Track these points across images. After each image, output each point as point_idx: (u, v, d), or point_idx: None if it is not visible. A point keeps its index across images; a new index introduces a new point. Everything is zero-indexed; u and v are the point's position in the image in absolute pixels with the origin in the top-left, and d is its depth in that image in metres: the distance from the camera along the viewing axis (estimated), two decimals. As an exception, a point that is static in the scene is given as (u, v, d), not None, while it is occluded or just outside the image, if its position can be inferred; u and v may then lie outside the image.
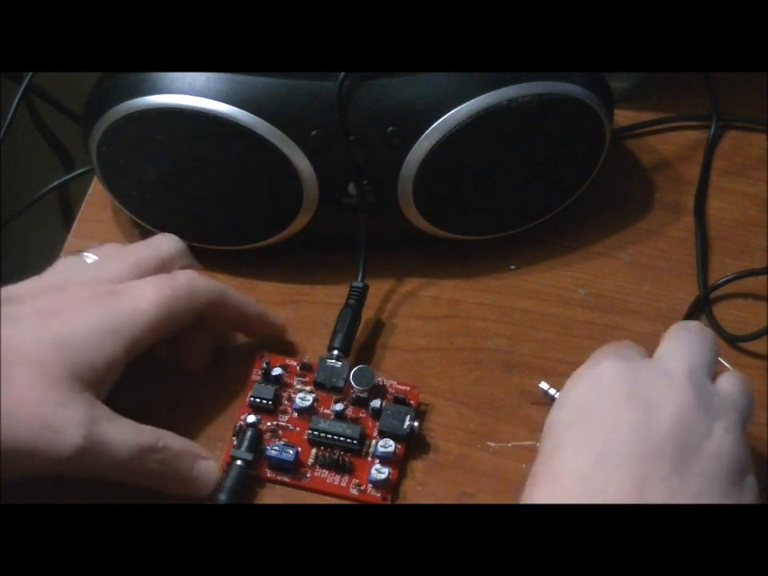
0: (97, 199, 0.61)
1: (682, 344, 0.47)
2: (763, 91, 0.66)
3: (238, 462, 0.49)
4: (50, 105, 0.64)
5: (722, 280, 0.57)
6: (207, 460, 0.48)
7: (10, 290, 0.48)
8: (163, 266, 0.51)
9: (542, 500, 0.41)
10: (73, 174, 0.64)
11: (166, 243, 0.52)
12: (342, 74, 0.52)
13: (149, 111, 0.52)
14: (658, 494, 0.39)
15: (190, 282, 0.50)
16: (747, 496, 0.41)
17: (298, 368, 0.53)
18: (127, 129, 0.53)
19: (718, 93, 0.65)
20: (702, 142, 0.65)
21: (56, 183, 0.64)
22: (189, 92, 0.52)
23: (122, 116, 0.53)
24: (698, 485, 0.40)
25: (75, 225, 0.60)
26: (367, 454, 0.50)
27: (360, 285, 0.55)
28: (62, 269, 0.51)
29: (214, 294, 0.51)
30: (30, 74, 0.58)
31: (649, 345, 0.55)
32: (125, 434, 0.45)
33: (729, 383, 0.46)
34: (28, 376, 0.44)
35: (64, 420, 0.43)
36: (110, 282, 0.49)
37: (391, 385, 0.52)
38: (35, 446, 0.43)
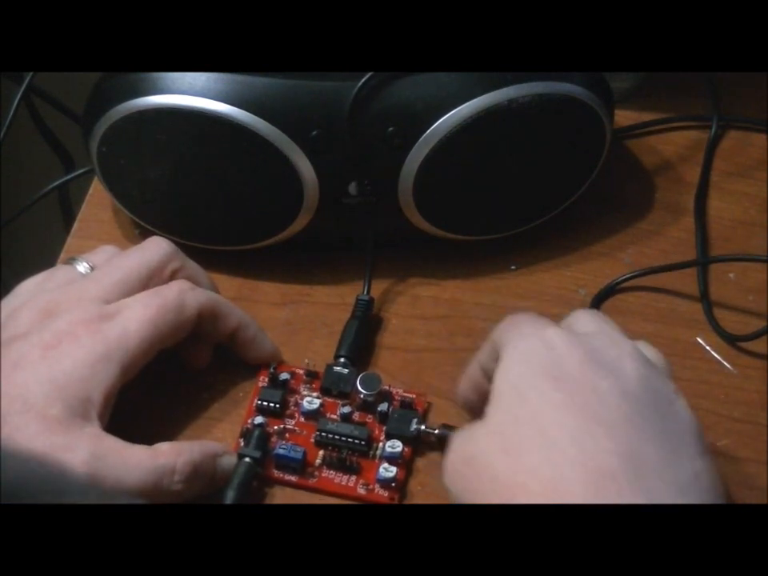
0: (97, 199, 0.61)
1: (599, 320, 0.46)
2: (764, 91, 0.66)
3: (246, 459, 0.49)
4: (49, 105, 0.64)
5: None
6: (226, 455, 0.49)
7: (9, 320, 0.48)
8: (153, 275, 0.51)
9: (538, 464, 0.40)
10: (73, 175, 0.64)
11: (153, 250, 0.52)
12: (369, 73, 0.51)
13: (149, 111, 0.52)
14: (648, 451, 0.40)
15: (180, 295, 0.50)
16: (706, 458, 0.42)
17: (304, 375, 0.53)
18: (127, 129, 0.53)
19: (719, 93, 0.65)
20: (702, 142, 0.65)
21: (56, 183, 0.64)
22: (189, 92, 0.52)
23: (123, 116, 0.53)
24: (679, 438, 0.41)
25: (75, 225, 0.60)
26: (374, 456, 0.50)
27: (366, 298, 0.56)
28: (52, 286, 0.50)
29: (205, 304, 0.50)
30: (30, 73, 0.58)
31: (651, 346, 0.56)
32: (135, 465, 0.45)
33: (646, 346, 0.46)
34: (34, 426, 0.44)
35: (70, 463, 0.43)
36: (99, 300, 0.48)
37: (397, 392, 0.52)
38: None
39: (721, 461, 0.51)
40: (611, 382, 0.41)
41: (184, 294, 0.50)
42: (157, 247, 0.52)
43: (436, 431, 0.50)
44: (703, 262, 0.59)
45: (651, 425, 0.41)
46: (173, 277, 0.51)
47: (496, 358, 0.46)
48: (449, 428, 0.50)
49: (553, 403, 0.41)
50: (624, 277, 0.58)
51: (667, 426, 0.41)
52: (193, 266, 0.53)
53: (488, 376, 0.48)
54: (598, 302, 0.57)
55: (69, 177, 0.64)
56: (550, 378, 0.42)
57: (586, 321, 0.46)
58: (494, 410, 0.43)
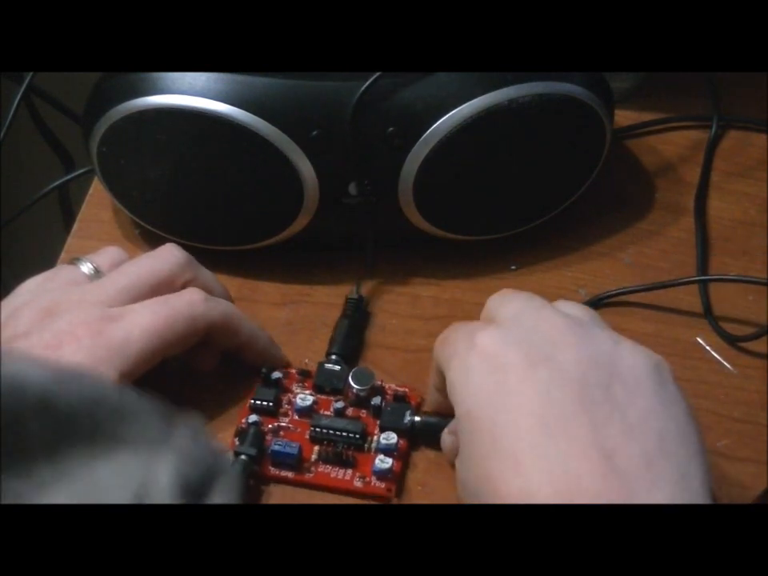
0: (97, 199, 0.61)
1: (513, 299, 0.46)
2: (764, 91, 0.66)
3: (242, 457, 0.49)
4: (49, 105, 0.64)
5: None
6: (225, 453, 0.49)
7: (10, 320, 0.48)
8: (162, 284, 0.50)
9: (512, 487, 0.40)
10: (73, 175, 0.64)
11: (165, 259, 0.51)
12: (377, 74, 0.51)
13: (149, 111, 0.52)
14: (613, 432, 0.39)
15: (190, 306, 0.49)
16: (673, 389, 0.42)
17: (297, 374, 0.53)
18: (127, 129, 0.53)
19: (719, 93, 0.65)
20: (702, 142, 0.65)
21: (56, 183, 0.64)
22: (189, 92, 0.52)
23: (123, 116, 0.53)
24: (634, 403, 0.40)
25: (75, 225, 0.60)
26: (369, 449, 0.50)
27: (355, 297, 0.56)
28: (54, 286, 0.50)
29: (216, 318, 0.50)
30: (30, 73, 0.58)
31: (652, 346, 0.56)
32: None
33: (569, 306, 0.46)
34: None
35: None
36: (101, 303, 0.48)
37: (390, 386, 0.52)
38: None
39: (721, 461, 0.51)
40: (549, 371, 0.41)
41: (195, 306, 0.49)
42: (169, 256, 0.52)
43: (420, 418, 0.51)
44: (703, 280, 0.58)
45: (603, 399, 0.40)
46: (184, 287, 0.51)
47: (444, 378, 0.46)
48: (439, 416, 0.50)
49: (508, 417, 0.41)
50: (624, 290, 0.58)
51: (617, 391, 0.41)
52: (207, 276, 0.53)
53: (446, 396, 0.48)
54: (596, 304, 0.57)
55: (69, 177, 0.64)
56: (495, 392, 0.42)
57: (508, 306, 0.46)
58: (461, 439, 0.43)
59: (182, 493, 0.27)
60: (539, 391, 0.41)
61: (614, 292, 0.57)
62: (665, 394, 0.42)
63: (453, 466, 0.48)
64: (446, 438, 0.49)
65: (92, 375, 0.28)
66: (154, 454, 0.27)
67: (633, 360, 0.42)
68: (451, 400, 0.44)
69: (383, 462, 0.49)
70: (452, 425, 0.48)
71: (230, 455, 0.49)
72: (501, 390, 0.41)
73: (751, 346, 0.55)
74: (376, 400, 0.51)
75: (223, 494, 0.29)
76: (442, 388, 0.47)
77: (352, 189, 0.55)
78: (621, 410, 0.40)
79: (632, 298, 0.58)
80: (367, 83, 0.52)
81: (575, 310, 0.45)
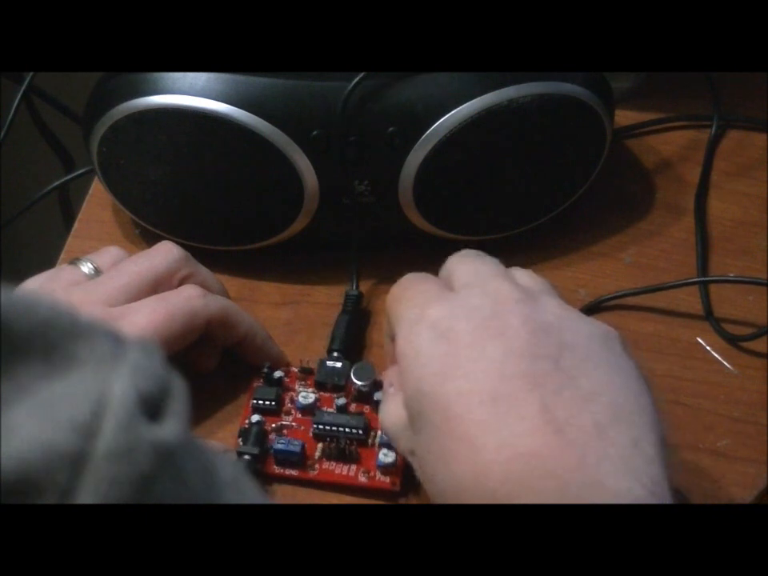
0: (97, 199, 0.61)
1: (468, 262, 0.46)
2: (764, 91, 0.66)
3: (246, 457, 0.49)
4: (50, 105, 0.64)
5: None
6: (228, 453, 0.49)
7: None
8: (160, 281, 0.51)
9: (466, 466, 0.40)
10: (73, 175, 0.64)
11: (162, 256, 0.52)
12: (362, 74, 0.51)
13: (149, 111, 0.52)
14: (564, 404, 0.39)
15: (188, 302, 0.50)
16: (623, 358, 0.42)
17: (298, 372, 0.53)
18: (128, 129, 0.53)
19: (719, 93, 0.65)
20: (702, 141, 0.65)
21: (56, 183, 0.64)
22: (189, 92, 0.52)
23: (123, 116, 0.53)
24: (584, 373, 0.40)
25: (76, 225, 0.60)
26: (373, 444, 0.50)
27: (355, 293, 0.56)
28: (55, 287, 0.50)
29: (215, 313, 0.50)
30: (30, 74, 0.58)
31: (652, 346, 0.56)
32: None
33: (522, 275, 0.45)
34: None
35: None
36: (102, 303, 0.48)
37: None
38: None
39: (721, 461, 0.51)
40: (501, 346, 0.41)
41: (193, 301, 0.50)
42: (166, 253, 0.52)
43: None
44: (703, 281, 0.58)
45: (553, 370, 0.40)
46: (182, 283, 0.51)
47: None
48: None
49: (459, 394, 0.40)
50: (624, 293, 0.57)
51: (567, 361, 0.40)
52: (204, 273, 0.53)
53: None
54: (597, 305, 0.57)
55: (69, 177, 0.64)
56: (445, 369, 0.41)
57: (463, 270, 0.45)
58: (411, 412, 0.42)
59: (138, 406, 0.28)
60: (489, 367, 0.40)
61: (614, 295, 0.57)
62: (615, 363, 0.41)
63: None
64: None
65: (46, 300, 0.29)
66: (109, 370, 0.28)
67: (581, 329, 0.42)
68: (400, 370, 0.43)
69: (386, 456, 0.49)
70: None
71: (233, 454, 0.49)
72: (451, 366, 0.41)
73: (751, 345, 0.55)
74: (378, 395, 0.51)
75: (177, 410, 0.29)
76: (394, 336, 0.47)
77: (352, 189, 0.55)
78: (571, 381, 0.40)
79: (632, 299, 0.58)
80: (352, 84, 0.51)
81: (527, 278, 0.45)
